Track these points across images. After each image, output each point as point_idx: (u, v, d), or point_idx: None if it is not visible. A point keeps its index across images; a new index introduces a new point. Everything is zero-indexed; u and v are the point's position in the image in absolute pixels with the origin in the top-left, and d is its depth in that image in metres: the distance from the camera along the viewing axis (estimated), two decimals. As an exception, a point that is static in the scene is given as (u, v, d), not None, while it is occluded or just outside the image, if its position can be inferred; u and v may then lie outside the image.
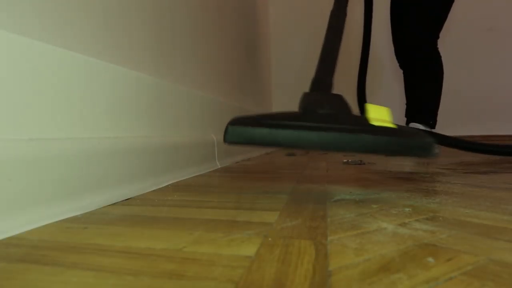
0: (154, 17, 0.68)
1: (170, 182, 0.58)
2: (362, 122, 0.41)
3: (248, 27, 1.61)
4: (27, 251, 0.24)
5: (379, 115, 0.42)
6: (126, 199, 0.44)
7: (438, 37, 1.12)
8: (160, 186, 0.54)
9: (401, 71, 1.21)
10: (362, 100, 1.13)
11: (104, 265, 0.22)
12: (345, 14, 0.66)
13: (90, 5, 0.48)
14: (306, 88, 0.60)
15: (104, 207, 0.40)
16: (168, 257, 0.23)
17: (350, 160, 0.95)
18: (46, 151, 0.33)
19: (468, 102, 2.19)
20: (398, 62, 1.19)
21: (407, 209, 0.35)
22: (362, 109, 0.80)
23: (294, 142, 0.38)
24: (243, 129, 0.38)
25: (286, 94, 2.38)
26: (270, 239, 0.26)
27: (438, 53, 1.13)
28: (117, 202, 0.42)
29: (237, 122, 0.39)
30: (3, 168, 0.28)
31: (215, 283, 0.19)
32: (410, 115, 1.18)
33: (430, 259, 0.21)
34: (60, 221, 0.33)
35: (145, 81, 0.55)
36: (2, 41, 0.30)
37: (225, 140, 0.39)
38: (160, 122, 0.60)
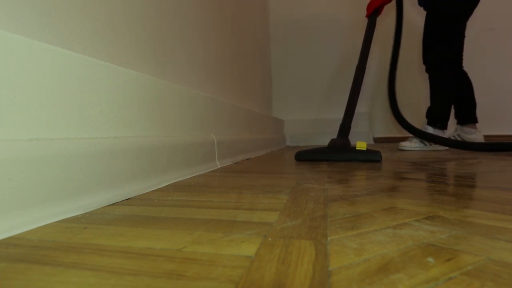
0: (155, 17, 0.68)
1: (170, 182, 0.58)
2: (351, 149, 1.02)
3: (249, 28, 1.61)
4: (27, 251, 0.25)
5: (360, 146, 1.01)
6: (126, 199, 0.44)
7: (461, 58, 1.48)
8: (160, 186, 0.54)
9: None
10: (392, 95, 1.40)
11: (104, 265, 0.22)
12: (364, 69, 1.20)
13: (90, 5, 0.48)
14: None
15: (104, 207, 0.40)
16: (168, 257, 0.23)
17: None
18: (46, 151, 0.33)
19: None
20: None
21: (407, 209, 0.35)
22: (392, 100, 1.36)
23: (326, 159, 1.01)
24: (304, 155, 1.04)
25: (286, 95, 2.38)
26: (270, 239, 0.26)
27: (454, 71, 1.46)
28: (117, 202, 0.42)
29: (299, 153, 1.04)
30: (3, 168, 0.28)
31: (215, 283, 0.19)
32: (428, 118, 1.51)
33: (430, 259, 0.21)
34: (60, 221, 0.33)
35: (145, 81, 0.55)
36: (2, 41, 0.30)
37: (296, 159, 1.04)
38: (160, 122, 0.60)
